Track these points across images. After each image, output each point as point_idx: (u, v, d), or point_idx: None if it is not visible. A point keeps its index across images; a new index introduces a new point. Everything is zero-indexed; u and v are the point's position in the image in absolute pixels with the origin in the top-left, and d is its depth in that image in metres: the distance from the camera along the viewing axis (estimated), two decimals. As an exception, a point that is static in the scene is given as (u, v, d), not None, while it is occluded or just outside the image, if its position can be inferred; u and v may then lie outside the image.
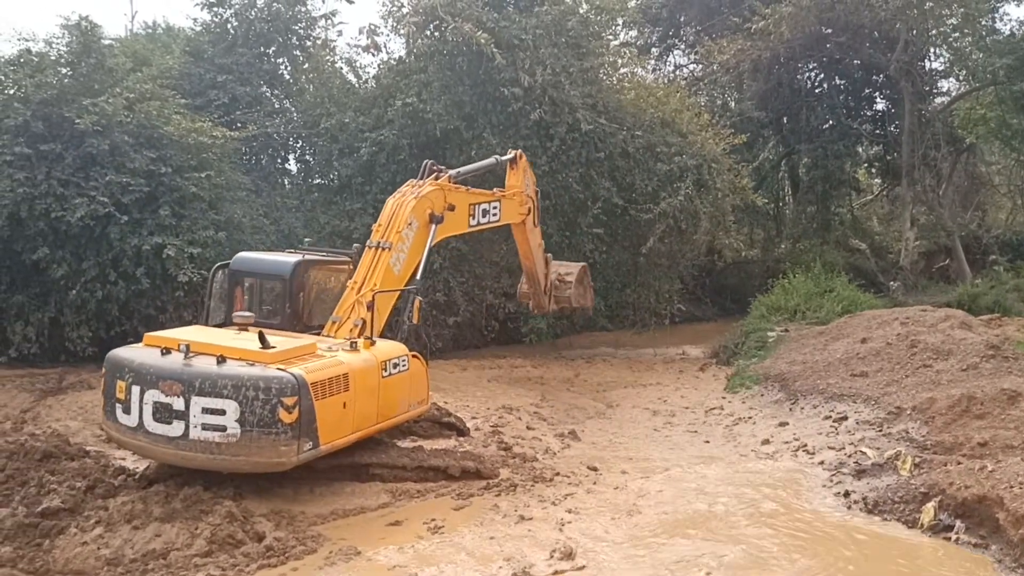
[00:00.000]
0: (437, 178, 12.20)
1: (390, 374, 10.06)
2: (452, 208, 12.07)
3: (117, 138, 16.67)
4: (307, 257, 11.47)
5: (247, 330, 9.87)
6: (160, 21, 25.33)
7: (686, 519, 9.28)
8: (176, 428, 8.70)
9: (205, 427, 8.62)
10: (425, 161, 12.84)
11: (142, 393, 8.90)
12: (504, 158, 14.64)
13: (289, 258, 11.39)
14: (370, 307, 10.48)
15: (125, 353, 9.50)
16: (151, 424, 8.85)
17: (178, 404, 8.68)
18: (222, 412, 8.60)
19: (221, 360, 8.83)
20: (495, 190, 13.80)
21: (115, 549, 7.77)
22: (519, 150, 14.65)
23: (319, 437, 8.95)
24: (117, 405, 9.17)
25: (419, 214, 11.55)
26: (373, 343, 10.13)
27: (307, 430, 8.79)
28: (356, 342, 9.96)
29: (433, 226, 11.68)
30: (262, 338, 9.18)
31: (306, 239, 14.22)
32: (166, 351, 9.16)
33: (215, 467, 8.86)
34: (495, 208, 13.33)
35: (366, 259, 11.12)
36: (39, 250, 16.14)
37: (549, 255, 15.55)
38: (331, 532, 8.57)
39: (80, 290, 16.38)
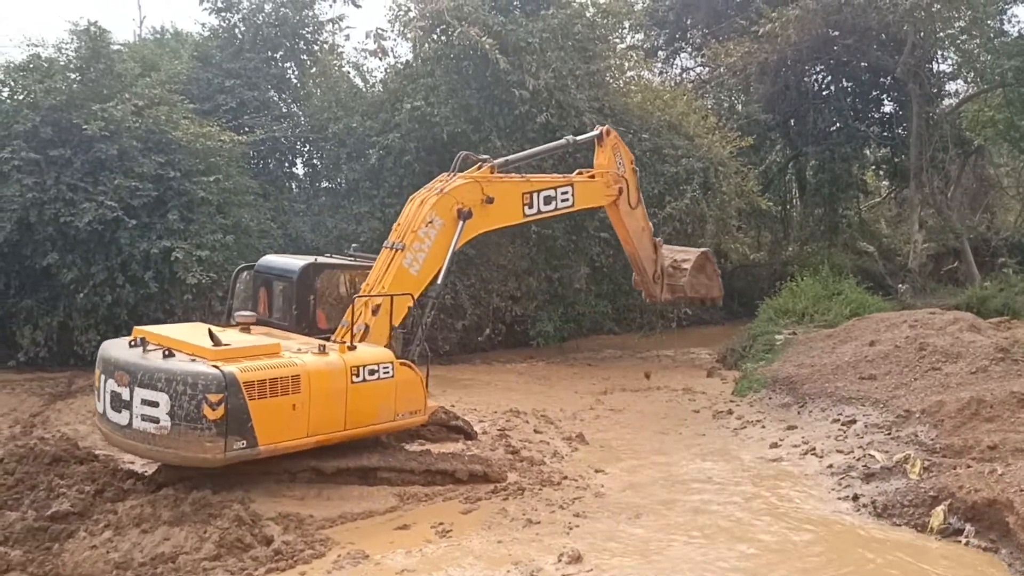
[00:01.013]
0: (480, 168, 11.62)
1: (364, 380, 9.65)
2: (490, 200, 11.30)
3: (125, 143, 16.76)
4: (319, 261, 11.45)
5: (248, 330, 10.23)
6: (168, 26, 25.49)
7: (694, 522, 9.27)
8: (124, 417, 8.99)
9: (144, 418, 8.82)
10: (460, 152, 12.28)
11: (104, 382, 9.31)
12: (582, 137, 13.90)
13: (299, 261, 11.39)
14: (375, 311, 10.42)
15: (106, 345, 9.92)
16: (109, 412, 9.23)
17: (125, 394, 8.96)
18: (156, 404, 8.75)
19: (168, 354, 9.01)
20: (579, 172, 13.21)
21: (124, 553, 7.78)
22: (606, 126, 13.66)
23: (256, 437, 8.84)
24: (95, 393, 9.72)
25: (443, 211, 10.95)
26: (352, 348, 9.86)
27: (238, 429, 8.72)
28: (325, 345, 9.77)
29: (461, 223, 11.01)
30: (212, 335, 9.25)
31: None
32: (134, 343, 9.46)
33: (151, 457, 9.27)
34: (565, 193, 12.45)
35: (380, 261, 10.91)
36: (48, 255, 16.24)
37: (659, 239, 14.56)
38: (339, 536, 8.56)
39: (89, 294, 16.46)
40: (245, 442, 8.80)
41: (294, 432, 9.20)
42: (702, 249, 15.15)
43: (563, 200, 12.42)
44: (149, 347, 9.25)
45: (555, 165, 18.62)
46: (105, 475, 9.51)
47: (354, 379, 9.61)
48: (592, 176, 13.32)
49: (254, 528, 8.37)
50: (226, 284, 17.35)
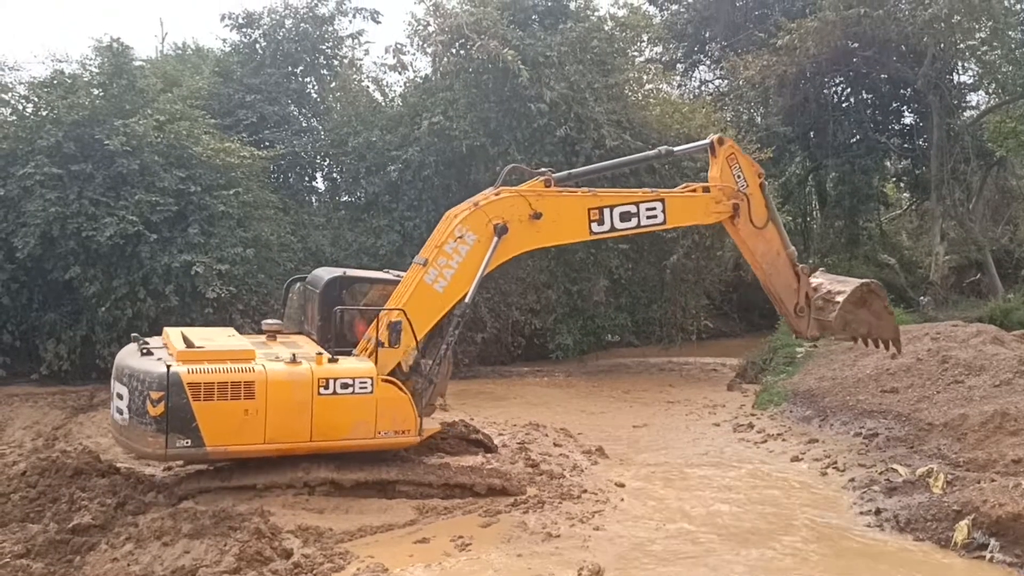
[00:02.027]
0: (548, 182, 10.80)
1: (334, 393, 9.53)
2: (537, 216, 10.43)
3: (147, 158, 16.93)
4: (347, 274, 11.45)
5: (274, 338, 10.53)
6: (190, 42, 25.65)
7: (715, 536, 9.20)
8: (112, 407, 9.82)
9: (117, 410, 9.53)
10: (509, 164, 11.85)
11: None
12: (683, 147, 12.92)
13: (328, 274, 11.43)
14: (392, 327, 10.19)
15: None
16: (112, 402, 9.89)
17: (114, 387, 9.74)
18: (121, 398, 9.40)
19: (145, 352, 9.62)
20: (685, 186, 11.88)
21: (145, 565, 7.82)
22: (718, 134, 11.96)
23: (202, 438, 9.09)
24: None
25: (475, 226, 10.31)
26: (334, 360, 9.79)
27: (181, 427, 9.01)
28: (295, 355, 9.78)
29: (496, 239, 10.28)
30: (186, 339, 9.76)
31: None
32: (143, 343, 10.10)
33: (120, 446, 10.00)
34: (653, 210, 11.01)
35: (407, 277, 10.75)
36: (71, 269, 16.40)
37: (803, 267, 11.99)
38: (359, 549, 8.56)
39: (111, 307, 16.61)
40: (189, 441, 9.07)
41: (248, 438, 9.30)
42: (862, 280, 12.13)
43: (649, 217, 11.05)
44: (144, 346, 9.85)
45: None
46: (126, 488, 9.58)
47: (321, 391, 9.53)
48: (694, 191, 11.61)
49: (273, 541, 8.38)
50: (246, 298, 17.61)
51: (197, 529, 8.40)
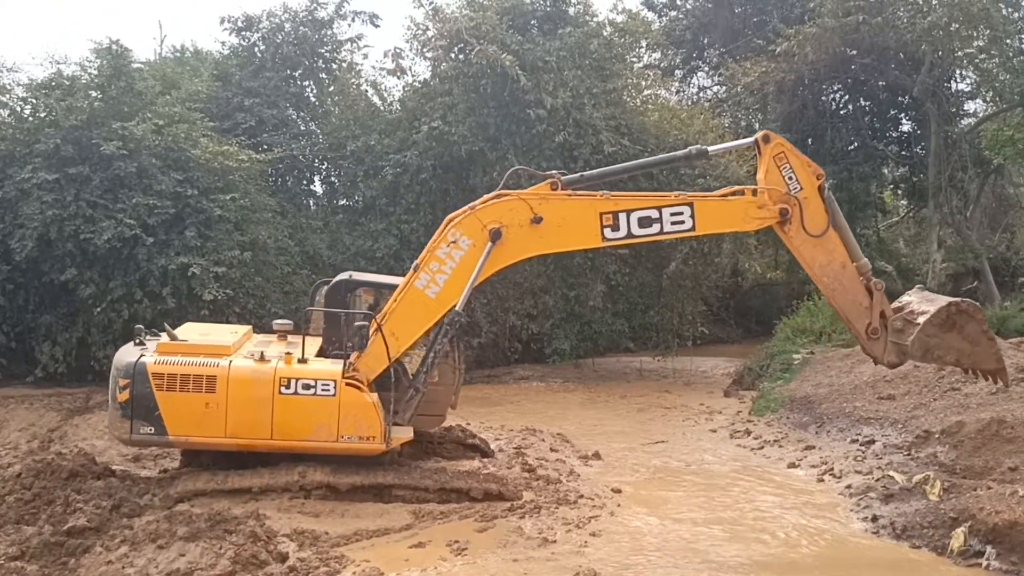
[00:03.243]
0: (555, 185, 10.15)
1: (295, 393, 9.65)
2: (538, 220, 9.89)
3: (145, 161, 16.95)
4: (353, 277, 11.44)
5: (285, 338, 10.71)
6: (188, 45, 25.64)
7: (711, 542, 9.19)
8: None
9: (112, 397, 9.83)
10: (509, 169, 11.26)
11: None
12: (720, 146, 12.26)
13: (338, 278, 11.41)
14: (358, 331, 10.16)
15: None
16: None
17: None
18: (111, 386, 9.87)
19: (138, 343, 10.18)
20: (729, 189, 10.64)
21: (140, 568, 7.79)
22: (764, 131, 10.50)
23: (165, 427, 9.59)
24: None
25: (470, 230, 9.96)
26: (303, 361, 9.85)
27: (144, 415, 9.56)
28: (263, 353, 9.91)
29: (489, 245, 9.89)
30: (169, 332, 10.20)
31: None
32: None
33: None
34: (679, 215, 9.96)
35: (403, 282, 10.54)
36: (67, 270, 16.38)
37: (879, 282, 10.16)
38: (354, 553, 8.54)
39: (106, 309, 16.61)
40: (152, 429, 9.60)
41: (209, 430, 9.64)
42: (951, 299, 10.18)
43: (674, 223, 9.99)
44: (140, 338, 10.37)
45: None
46: (122, 490, 9.61)
47: (282, 390, 9.64)
48: (734, 193, 10.35)
49: (269, 545, 8.37)
50: (243, 300, 17.63)
51: (192, 532, 8.38)
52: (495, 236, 9.86)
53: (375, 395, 9.86)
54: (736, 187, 10.71)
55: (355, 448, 9.79)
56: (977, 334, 9.98)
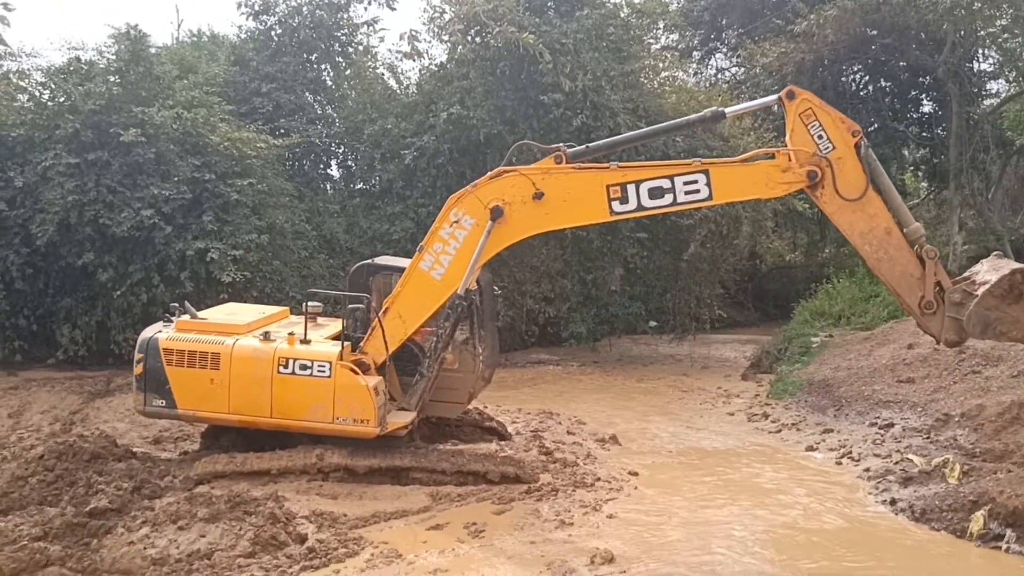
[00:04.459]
0: (559, 158, 9.68)
1: (293, 373, 9.81)
2: (539, 196, 9.51)
3: (163, 146, 17.01)
4: (375, 262, 11.47)
5: (315, 320, 10.75)
6: (205, 29, 25.68)
7: (728, 524, 9.19)
8: None
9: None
10: (518, 143, 10.81)
11: None
12: (737, 107, 11.56)
13: (364, 263, 11.46)
14: (351, 313, 10.33)
15: None
16: None
17: None
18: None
19: (167, 321, 10.61)
20: (760, 151, 9.95)
21: (161, 549, 7.88)
22: (789, 87, 9.58)
23: (175, 400, 10.00)
24: None
25: (472, 209, 9.69)
26: (306, 342, 9.98)
27: (156, 388, 10.03)
28: (269, 332, 10.14)
29: (490, 223, 9.60)
30: (190, 311, 10.61)
31: None
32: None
33: None
34: (693, 183, 9.20)
35: (410, 263, 10.41)
36: (85, 255, 16.51)
37: (932, 248, 8.98)
38: (372, 535, 8.60)
39: (125, 293, 16.72)
40: (164, 402, 10.04)
41: (214, 405, 10.00)
42: (1018, 265, 8.70)
43: (688, 192, 9.23)
44: (168, 316, 10.85)
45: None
46: (143, 472, 9.71)
47: (281, 370, 9.82)
48: (729, 162, 9.65)
49: (288, 526, 8.44)
50: (261, 284, 17.75)
51: (213, 513, 8.45)
52: (496, 214, 9.55)
53: (374, 378, 9.85)
54: (759, 150, 10.04)
55: (349, 430, 9.82)
56: None
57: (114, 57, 18.23)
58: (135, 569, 7.63)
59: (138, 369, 10.11)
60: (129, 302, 16.85)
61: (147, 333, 10.35)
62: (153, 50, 19.22)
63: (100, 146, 16.82)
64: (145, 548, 7.88)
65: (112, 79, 17.80)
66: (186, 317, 10.50)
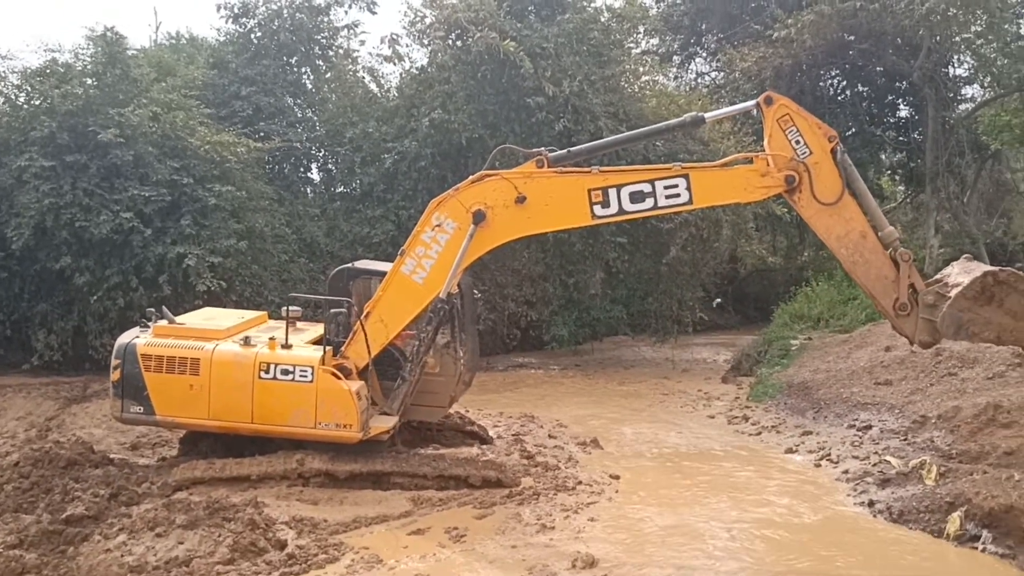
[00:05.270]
0: (540, 163, 9.68)
1: (274, 378, 9.77)
2: (521, 200, 9.55)
3: (141, 148, 16.89)
4: (355, 266, 11.40)
5: (294, 324, 10.58)
6: (184, 31, 25.51)
7: (708, 527, 9.21)
8: None
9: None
10: (499, 147, 10.90)
11: None
12: (717, 112, 11.70)
13: (345, 267, 11.41)
14: (332, 318, 10.25)
15: None
16: None
17: None
18: None
19: (143, 327, 10.52)
20: (739, 156, 10.25)
21: (138, 556, 7.79)
22: (767, 92, 9.71)
23: (154, 406, 9.93)
24: None
25: (453, 212, 9.69)
26: (288, 347, 9.93)
27: (133, 394, 9.93)
28: (249, 337, 10.12)
29: (472, 227, 9.62)
30: (168, 316, 10.53)
31: None
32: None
33: None
34: (674, 187, 9.33)
35: (392, 267, 10.39)
36: (62, 258, 16.35)
37: (906, 251, 9.22)
38: (353, 540, 8.56)
39: (102, 297, 16.58)
40: (142, 408, 9.94)
41: (193, 411, 9.92)
42: (989, 268, 9.03)
43: (669, 196, 9.36)
44: (146, 320, 10.74)
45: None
46: (120, 479, 9.64)
47: (262, 375, 9.77)
48: (708, 166, 9.79)
49: (268, 532, 8.39)
50: (240, 289, 17.63)
51: (191, 520, 8.38)
52: (478, 218, 9.57)
53: (357, 383, 9.82)
54: (738, 155, 10.18)
55: (332, 435, 9.77)
56: (1021, 307, 8.78)
57: (91, 59, 18.08)
58: (112, 577, 7.56)
59: (115, 375, 10.02)
60: (106, 306, 16.70)
61: (124, 338, 10.25)
62: (130, 52, 19.07)
63: (77, 149, 16.68)
64: (122, 555, 7.80)
65: (89, 81, 17.66)
66: (164, 322, 10.41)
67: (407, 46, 22.41)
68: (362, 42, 24.11)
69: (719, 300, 22.97)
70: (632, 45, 24.88)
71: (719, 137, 22.13)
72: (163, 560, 7.76)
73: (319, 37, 22.62)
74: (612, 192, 9.40)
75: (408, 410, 10.54)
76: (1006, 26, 23.14)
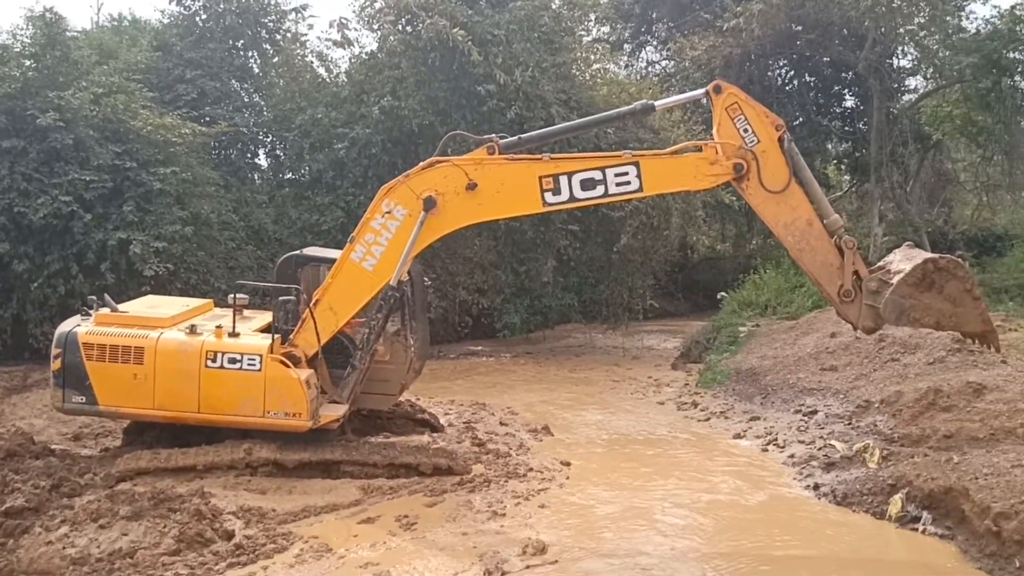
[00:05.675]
0: (491, 149, 9.70)
1: (221, 367, 9.63)
2: (473, 187, 9.51)
3: (82, 132, 16.48)
4: (304, 253, 11.20)
5: (241, 312, 10.35)
6: (126, 13, 24.98)
7: (658, 512, 9.30)
8: None
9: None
10: (450, 133, 10.82)
11: None
12: (667, 100, 11.63)
13: (293, 254, 11.22)
14: (281, 305, 10.05)
15: None
16: None
17: None
18: None
19: (84, 315, 10.29)
20: (689, 143, 10.35)
21: (81, 548, 7.63)
22: (716, 80, 9.80)
23: (96, 397, 9.72)
24: None
25: (403, 199, 9.61)
26: (235, 335, 9.81)
27: (75, 384, 9.71)
28: (195, 326, 9.94)
29: (423, 214, 9.54)
30: (110, 304, 10.30)
31: None
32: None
33: None
34: (623, 175, 9.38)
35: (341, 254, 10.29)
36: (0, 245, 15.92)
37: (851, 239, 9.38)
38: (302, 530, 8.48)
39: (42, 285, 16.17)
40: (84, 398, 9.74)
41: (138, 401, 9.74)
42: (929, 256, 9.32)
43: (620, 184, 9.39)
44: (87, 309, 10.48)
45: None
46: (61, 470, 9.41)
47: (208, 364, 9.63)
48: (657, 154, 9.84)
49: (214, 523, 8.26)
50: (185, 276, 17.32)
51: (135, 511, 8.21)
52: (428, 205, 9.52)
53: (306, 371, 9.71)
54: (687, 143, 10.24)
55: (281, 424, 9.65)
56: (959, 293, 9.13)
57: (29, 41, 17.57)
58: (54, 569, 7.38)
59: (56, 364, 9.77)
60: (46, 294, 16.30)
61: (65, 327, 10.00)
62: (71, 34, 18.57)
63: (15, 133, 16.23)
64: (64, 548, 7.63)
65: (27, 63, 17.17)
66: (106, 310, 10.18)
67: (356, 31, 22.20)
68: (310, 26, 23.89)
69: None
70: (583, 33, 24.88)
71: (669, 125, 22.26)
72: (106, 552, 7.61)
73: (266, 20, 22.25)
74: (563, 179, 9.43)
75: (358, 398, 10.47)
76: (948, 18, 23.60)
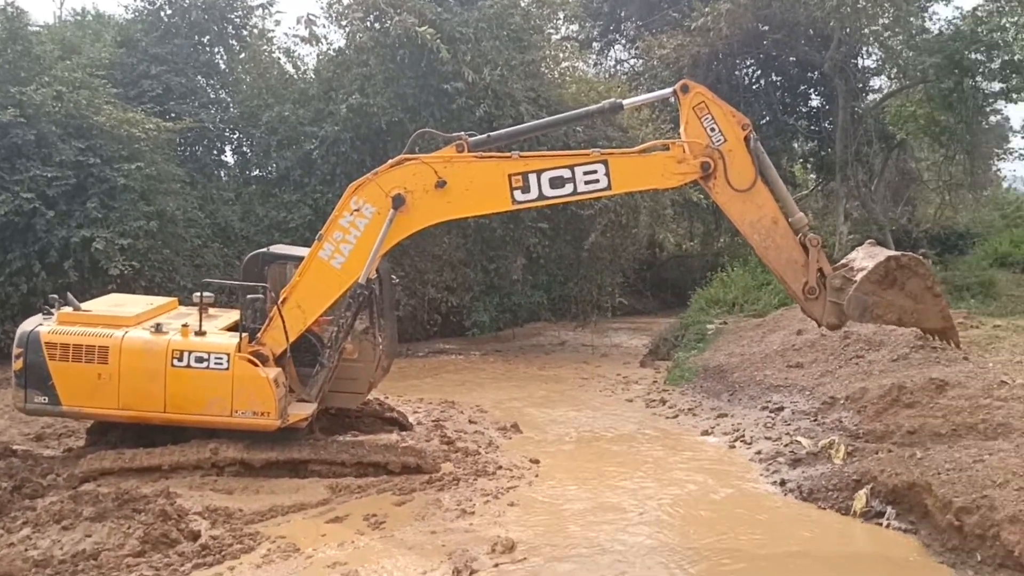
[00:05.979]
0: (460, 147, 9.69)
1: (188, 366, 9.54)
2: (442, 184, 9.50)
3: (44, 128, 16.23)
4: (271, 251, 11.14)
5: (207, 310, 10.16)
6: (90, 8, 24.62)
7: (628, 510, 9.35)
8: None
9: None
10: (419, 131, 10.86)
11: None
12: (635, 99, 11.65)
13: (280, 251, 11.17)
14: (249, 303, 10.03)
15: None
16: None
17: None
18: None
19: (47, 314, 10.12)
20: (644, 145, 10.44)
21: (43, 550, 7.53)
22: (684, 80, 9.88)
23: (59, 397, 9.57)
24: None
25: (373, 197, 9.59)
26: (202, 333, 9.72)
27: (37, 384, 9.57)
28: (160, 324, 9.82)
29: (392, 212, 9.54)
30: (72, 302, 10.16)
31: None
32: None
33: None
34: (592, 173, 9.43)
35: (309, 252, 10.21)
36: (-42, 242, 15.67)
37: (815, 236, 9.53)
38: (269, 530, 8.42)
39: (3, 283, 15.94)
40: (47, 399, 9.59)
41: (102, 401, 9.60)
42: (891, 253, 9.56)
43: (588, 182, 9.45)
44: (48, 308, 10.31)
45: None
46: (23, 471, 9.32)
47: (175, 363, 9.54)
48: (625, 153, 9.94)
49: (180, 523, 8.19)
50: (150, 274, 17.11)
51: (99, 512, 8.13)
52: (398, 202, 9.51)
53: (274, 370, 9.65)
54: (655, 142, 10.30)
55: (249, 423, 9.59)
56: (920, 290, 9.32)
57: (-11, 35, 17.27)
58: (16, 572, 7.26)
59: (17, 364, 9.63)
60: (7, 292, 16.03)
61: (27, 326, 9.84)
62: (33, 29, 18.29)
63: (-27, 128, 15.94)
64: (26, 549, 7.53)
65: (-13, 58, 16.88)
66: (68, 309, 10.04)
67: (324, 27, 22.06)
68: (277, 22, 23.70)
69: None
70: (552, 31, 24.93)
71: (638, 124, 22.35)
72: (70, 554, 7.52)
73: (232, 16, 22.00)
74: (532, 177, 9.46)
75: (326, 397, 10.41)
76: (911, 19, 23.93)
